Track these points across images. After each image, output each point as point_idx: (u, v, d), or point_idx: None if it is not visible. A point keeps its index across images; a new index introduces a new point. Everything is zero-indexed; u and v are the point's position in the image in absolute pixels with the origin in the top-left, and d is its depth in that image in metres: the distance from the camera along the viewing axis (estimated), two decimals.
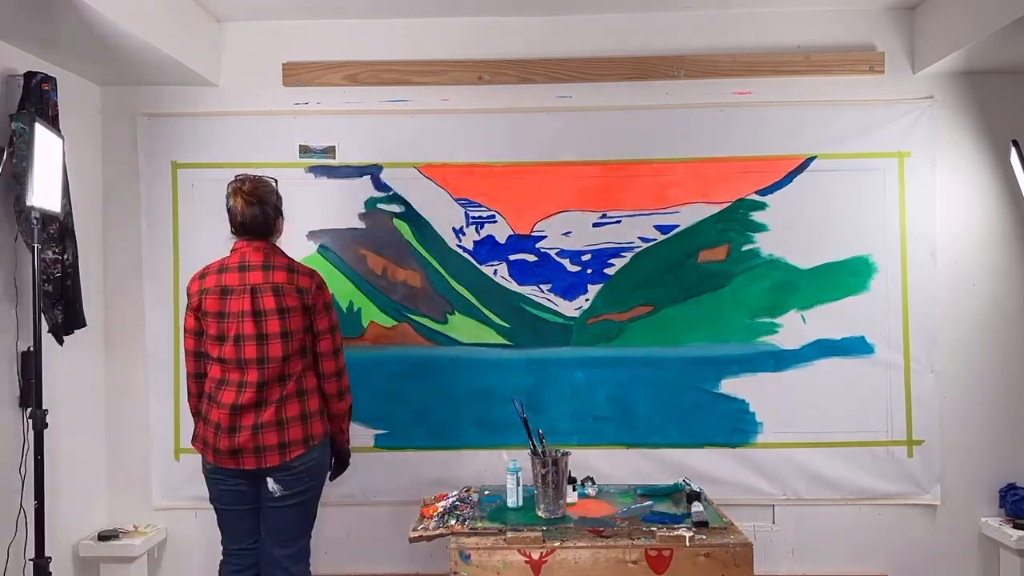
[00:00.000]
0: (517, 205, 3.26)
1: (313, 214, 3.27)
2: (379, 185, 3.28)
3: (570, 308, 3.25)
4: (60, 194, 2.61)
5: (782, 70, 3.23)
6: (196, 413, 2.51)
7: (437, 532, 2.25)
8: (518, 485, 2.39)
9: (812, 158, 3.23)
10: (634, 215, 3.24)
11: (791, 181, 3.24)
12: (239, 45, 3.31)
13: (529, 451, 2.49)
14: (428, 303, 3.28)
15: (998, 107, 3.23)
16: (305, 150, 3.28)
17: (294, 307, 2.39)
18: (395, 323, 3.28)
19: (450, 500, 2.51)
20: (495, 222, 3.27)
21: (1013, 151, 2.98)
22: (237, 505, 2.43)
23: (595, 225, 3.25)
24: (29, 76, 2.71)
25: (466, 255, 3.28)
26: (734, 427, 3.24)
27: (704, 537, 2.10)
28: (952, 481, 3.24)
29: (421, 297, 3.28)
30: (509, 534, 2.13)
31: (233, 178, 2.47)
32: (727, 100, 3.26)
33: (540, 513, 2.28)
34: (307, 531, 2.47)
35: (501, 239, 3.27)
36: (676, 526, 2.17)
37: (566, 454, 2.31)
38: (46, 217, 2.65)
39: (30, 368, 2.68)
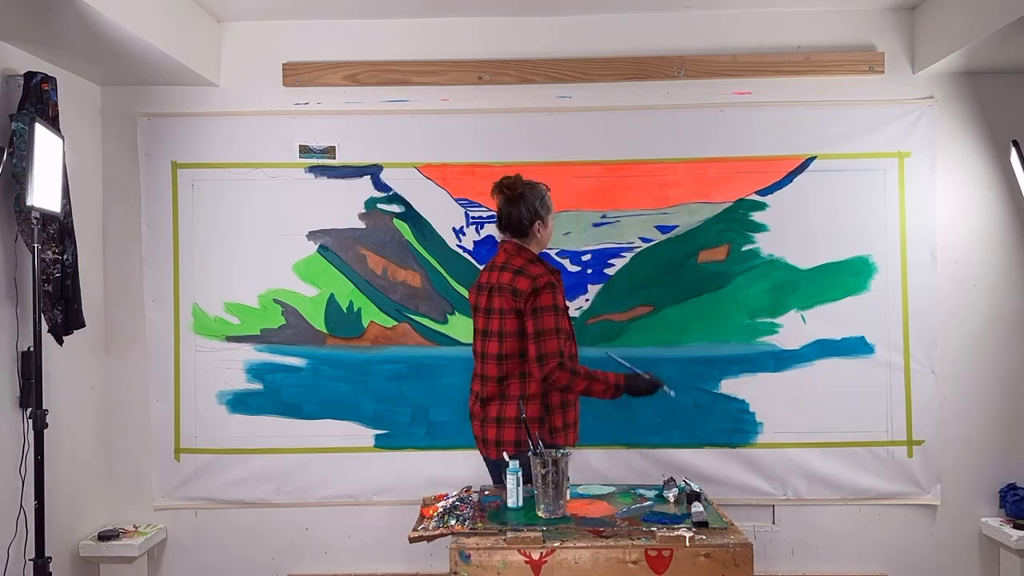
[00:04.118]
0: None
1: (313, 214, 3.27)
2: (379, 185, 3.28)
3: (570, 308, 3.24)
4: (60, 194, 2.61)
5: (782, 70, 3.23)
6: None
7: (437, 532, 2.25)
8: (518, 485, 2.38)
9: (812, 158, 3.23)
10: (634, 215, 3.24)
11: (791, 181, 3.24)
12: (239, 45, 3.31)
13: (529, 451, 2.50)
14: (428, 303, 3.27)
15: (998, 107, 3.23)
16: (305, 150, 3.28)
17: (508, 309, 2.44)
18: (395, 323, 3.28)
19: (450, 500, 2.50)
20: (495, 222, 3.26)
21: (1013, 151, 2.97)
22: None
23: (595, 225, 3.25)
24: (29, 76, 2.71)
25: (466, 255, 3.28)
26: (734, 427, 3.24)
27: (704, 537, 2.10)
28: (952, 481, 3.24)
29: (421, 297, 3.28)
30: (509, 534, 2.12)
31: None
32: (727, 100, 3.26)
33: (540, 513, 2.27)
34: None
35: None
36: (676, 526, 2.17)
37: (566, 454, 2.31)
38: (46, 217, 2.65)
39: (30, 368, 2.68)
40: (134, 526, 3.25)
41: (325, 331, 3.28)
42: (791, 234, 3.23)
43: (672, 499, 2.42)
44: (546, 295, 2.41)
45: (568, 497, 2.36)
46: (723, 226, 3.25)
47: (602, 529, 2.16)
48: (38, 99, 2.70)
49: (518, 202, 2.51)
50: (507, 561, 2.06)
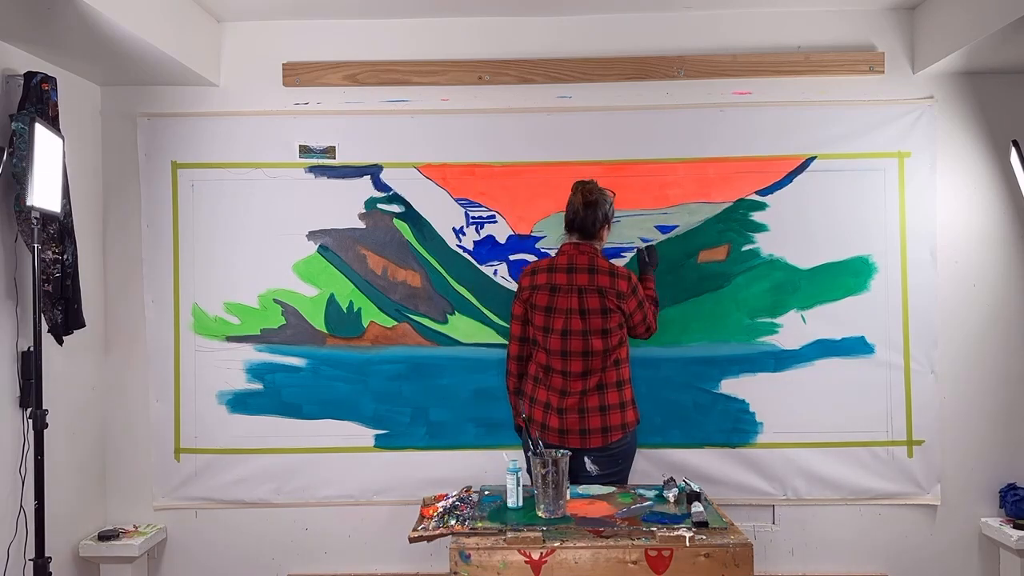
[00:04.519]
0: (517, 205, 3.26)
1: (313, 214, 3.27)
2: (379, 185, 3.28)
3: None
4: (60, 194, 2.61)
5: (782, 70, 3.23)
6: (516, 392, 2.81)
7: (437, 532, 2.25)
8: (518, 485, 2.38)
9: (812, 158, 3.23)
10: (634, 215, 3.24)
11: (791, 181, 3.24)
12: (239, 45, 3.31)
13: (529, 451, 2.50)
14: (428, 303, 3.28)
15: (998, 107, 3.23)
16: (305, 150, 3.28)
17: (613, 308, 2.63)
18: (395, 323, 3.28)
19: (450, 500, 2.50)
20: (495, 222, 3.27)
21: (1013, 151, 2.97)
22: None
23: None
24: (29, 76, 2.71)
25: (466, 255, 3.28)
26: (734, 427, 3.24)
27: (704, 537, 2.10)
28: (952, 481, 3.24)
29: (421, 297, 3.28)
30: (509, 534, 2.13)
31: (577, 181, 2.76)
32: (727, 100, 3.26)
33: (540, 513, 2.27)
34: None
35: (501, 239, 3.27)
36: (676, 526, 2.17)
37: (566, 454, 2.31)
38: (46, 217, 2.65)
39: (30, 368, 2.68)
40: (134, 526, 3.25)
41: (325, 331, 3.28)
42: (791, 234, 3.23)
43: (672, 499, 2.42)
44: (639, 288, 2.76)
45: (568, 497, 2.36)
46: (723, 226, 3.25)
47: (602, 529, 2.16)
48: (38, 99, 2.70)
49: (595, 206, 2.67)
50: (507, 561, 2.06)
